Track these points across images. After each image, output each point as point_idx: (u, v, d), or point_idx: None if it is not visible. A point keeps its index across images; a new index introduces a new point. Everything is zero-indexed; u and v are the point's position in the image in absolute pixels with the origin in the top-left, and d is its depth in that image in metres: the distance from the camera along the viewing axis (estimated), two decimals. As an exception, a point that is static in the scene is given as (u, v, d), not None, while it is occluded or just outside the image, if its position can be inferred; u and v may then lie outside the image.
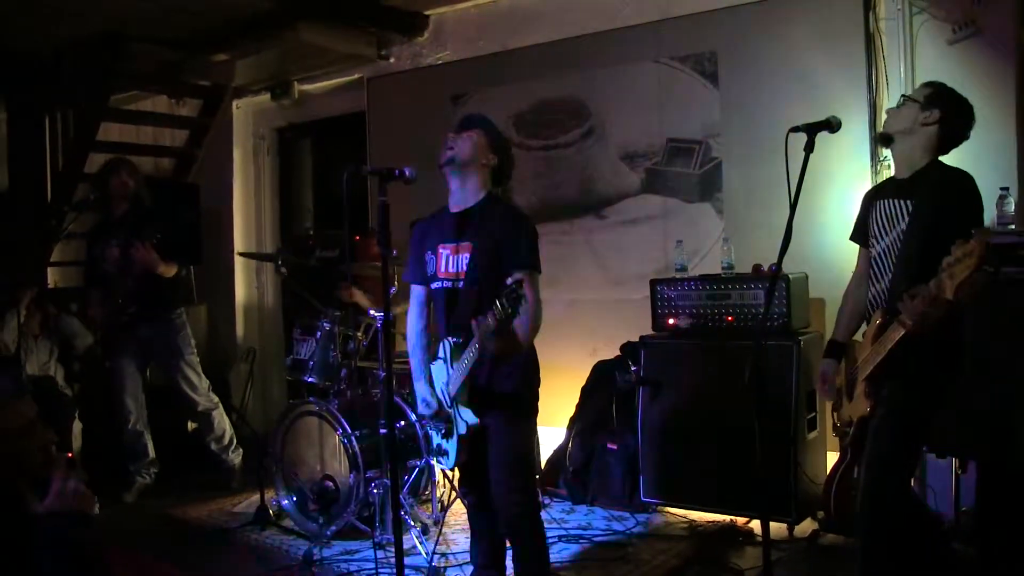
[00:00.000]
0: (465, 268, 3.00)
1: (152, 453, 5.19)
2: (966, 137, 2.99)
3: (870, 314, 3.07)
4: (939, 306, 2.64)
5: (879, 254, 3.04)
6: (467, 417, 2.96)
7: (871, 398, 3.00)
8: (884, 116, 3.15)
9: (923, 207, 2.87)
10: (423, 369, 3.16)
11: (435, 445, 3.15)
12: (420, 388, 3.16)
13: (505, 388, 3.00)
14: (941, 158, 2.98)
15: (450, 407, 3.02)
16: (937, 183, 2.88)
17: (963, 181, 2.87)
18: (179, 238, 5.22)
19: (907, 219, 2.93)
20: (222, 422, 5.31)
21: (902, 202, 2.96)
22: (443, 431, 3.09)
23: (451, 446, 3.06)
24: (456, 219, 3.07)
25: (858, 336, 3.23)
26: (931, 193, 2.86)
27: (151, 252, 4.80)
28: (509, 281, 2.63)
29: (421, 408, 3.17)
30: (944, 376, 2.92)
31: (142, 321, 5.03)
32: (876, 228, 3.06)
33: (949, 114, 2.94)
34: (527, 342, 2.96)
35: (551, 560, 3.83)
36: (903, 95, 3.08)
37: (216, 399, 5.32)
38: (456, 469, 3.22)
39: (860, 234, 3.21)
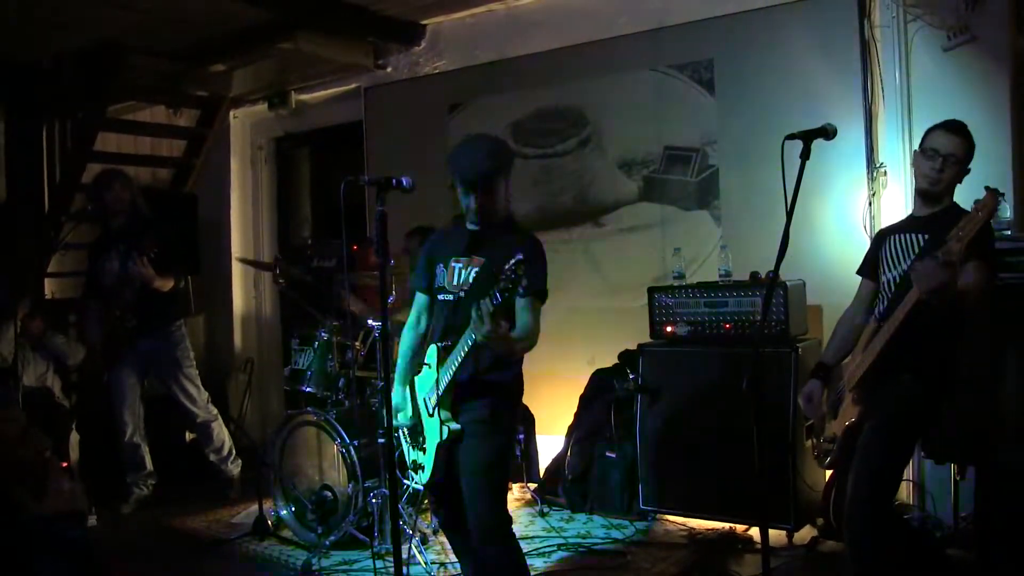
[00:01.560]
0: (471, 281, 2.97)
1: (149, 465, 5.18)
2: None
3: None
4: (949, 271, 2.62)
5: (887, 281, 3.07)
6: (448, 422, 2.93)
7: (860, 404, 3.02)
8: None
9: (936, 242, 2.83)
10: (407, 374, 3.13)
11: (409, 461, 3.11)
12: (397, 392, 3.12)
13: (490, 378, 2.94)
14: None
15: (431, 414, 2.99)
16: (955, 224, 2.81)
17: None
18: (177, 249, 5.21)
19: (918, 251, 2.97)
20: (221, 433, 5.30)
21: (917, 236, 3.01)
22: (419, 444, 3.06)
23: (427, 460, 3.02)
24: (473, 235, 3.04)
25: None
26: (947, 231, 2.80)
27: (148, 267, 4.78)
28: (510, 263, 2.56)
29: (398, 418, 3.10)
30: (937, 386, 2.94)
31: (141, 334, 5.02)
32: (888, 259, 3.09)
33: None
34: (518, 347, 2.88)
35: (553, 570, 3.85)
36: (951, 156, 2.98)
37: (215, 411, 5.31)
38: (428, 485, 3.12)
39: (868, 268, 3.24)
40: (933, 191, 3.02)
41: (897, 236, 3.09)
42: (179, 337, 5.16)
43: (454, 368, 2.88)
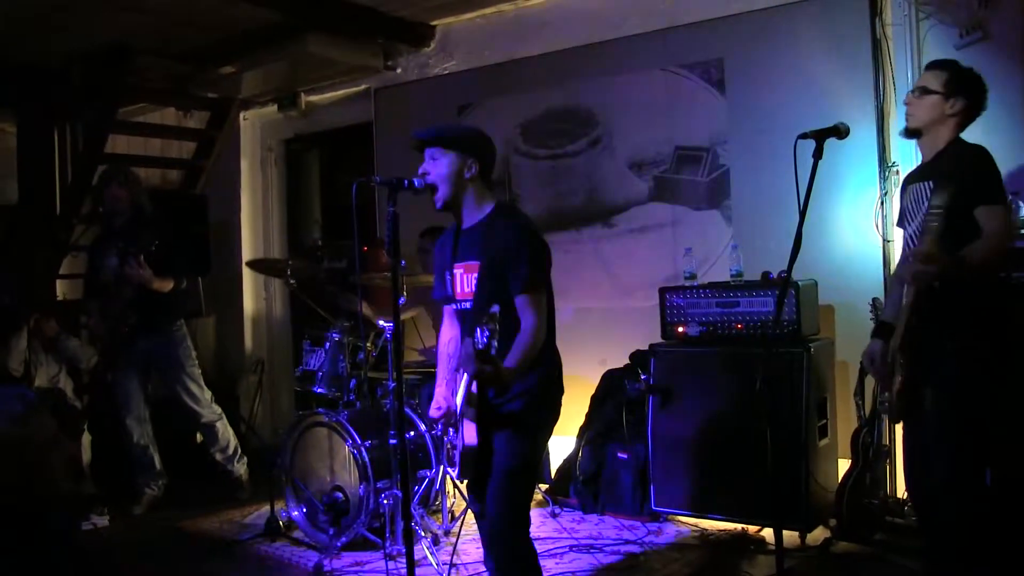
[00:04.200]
0: (474, 288, 2.92)
1: (159, 465, 5.19)
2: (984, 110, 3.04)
3: None
4: (927, 264, 2.71)
5: (910, 235, 3.08)
6: (467, 435, 2.91)
7: (902, 371, 2.97)
8: (904, 108, 3.11)
9: (941, 185, 2.85)
10: (445, 375, 3.10)
11: (452, 454, 3.11)
12: (438, 391, 3.11)
13: (513, 407, 2.89)
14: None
15: (459, 419, 2.98)
16: (953, 162, 2.91)
17: (976, 156, 2.91)
18: (181, 249, 5.18)
19: (928, 198, 2.95)
20: (226, 433, 5.31)
21: (926, 183, 2.99)
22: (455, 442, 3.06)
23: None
24: (464, 237, 2.98)
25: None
26: (948, 172, 2.88)
27: (145, 269, 4.75)
28: (493, 310, 2.53)
29: (431, 411, 3.08)
30: (985, 357, 2.91)
31: (142, 334, 5.01)
32: (907, 211, 3.11)
33: (972, 101, 2.98)
34: (518, 368, 2.75)
35: (564, 571, 3.84)
36: (920, 87, 3.02)
37: (219, 410, 5.31)
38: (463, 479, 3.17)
39: (901, 218, 3.25)
40: (909, 126, 3.06)
41: (912, 187, 3.10)
42: (180, 337, 5.15)
43: (466, 386, 2.81)
